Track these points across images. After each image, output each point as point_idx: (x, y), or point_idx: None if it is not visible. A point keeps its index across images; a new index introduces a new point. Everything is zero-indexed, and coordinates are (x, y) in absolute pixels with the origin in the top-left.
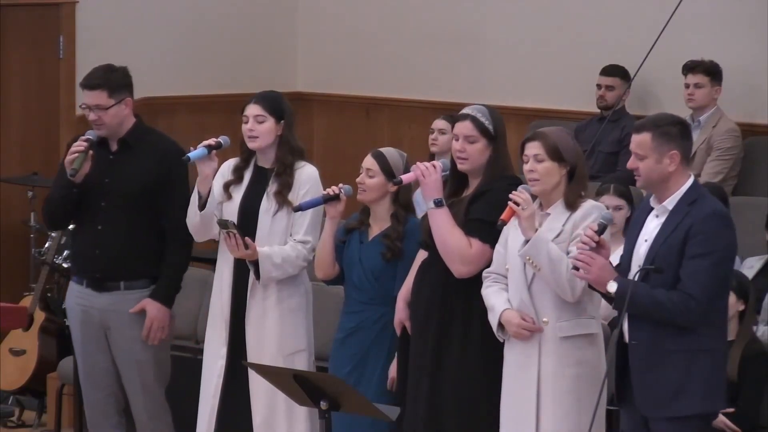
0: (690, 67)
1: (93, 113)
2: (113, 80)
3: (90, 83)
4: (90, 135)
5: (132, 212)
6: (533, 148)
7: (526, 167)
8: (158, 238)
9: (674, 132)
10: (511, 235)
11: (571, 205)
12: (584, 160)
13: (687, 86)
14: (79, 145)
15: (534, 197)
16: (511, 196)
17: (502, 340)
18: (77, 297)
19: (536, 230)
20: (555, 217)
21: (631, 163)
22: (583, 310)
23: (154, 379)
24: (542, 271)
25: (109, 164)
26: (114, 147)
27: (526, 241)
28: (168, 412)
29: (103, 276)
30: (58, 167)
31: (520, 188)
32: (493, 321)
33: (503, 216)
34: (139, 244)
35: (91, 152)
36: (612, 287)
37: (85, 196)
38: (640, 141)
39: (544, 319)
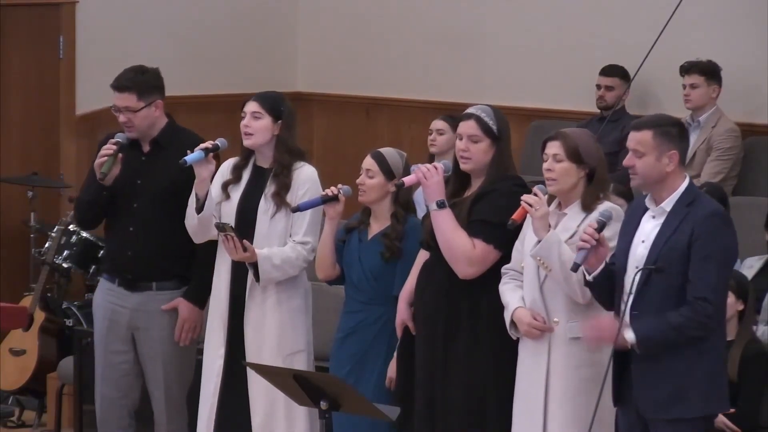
0: (686, 68)
1: (123, 115)
2: (143, 82)
3: (119, 85)
4: (120, 138)
5: (164, 213)
6: (553, 148)
7: (544, 166)
8: (189, 238)
9: (674, 132)
10: (529, 233)
11: (588, 207)
12: (605, 163)
13: (684, 87)
14: (108, 148)
15: (552, 198)
16: (523, 198)
17: (515, 338)
18: (108, 294)
19: (548, 231)
20: (571, 216)
21: (628, 161)
22: (594, 312)
23: (176, 381)
24: (553, 272)
25: (141, 165)
26: (146, 148)
27: (539, 242)
28: (185, 415)
29: (135, 276)
30: (89, 169)
31: (535, 188)
32: (507, 318)
33: (515, 216)
34: (170, 244)
35: (120, 155)
36: (630, 337)
37: (117, 197)
38: (640, 138)
39: (555, 320)
